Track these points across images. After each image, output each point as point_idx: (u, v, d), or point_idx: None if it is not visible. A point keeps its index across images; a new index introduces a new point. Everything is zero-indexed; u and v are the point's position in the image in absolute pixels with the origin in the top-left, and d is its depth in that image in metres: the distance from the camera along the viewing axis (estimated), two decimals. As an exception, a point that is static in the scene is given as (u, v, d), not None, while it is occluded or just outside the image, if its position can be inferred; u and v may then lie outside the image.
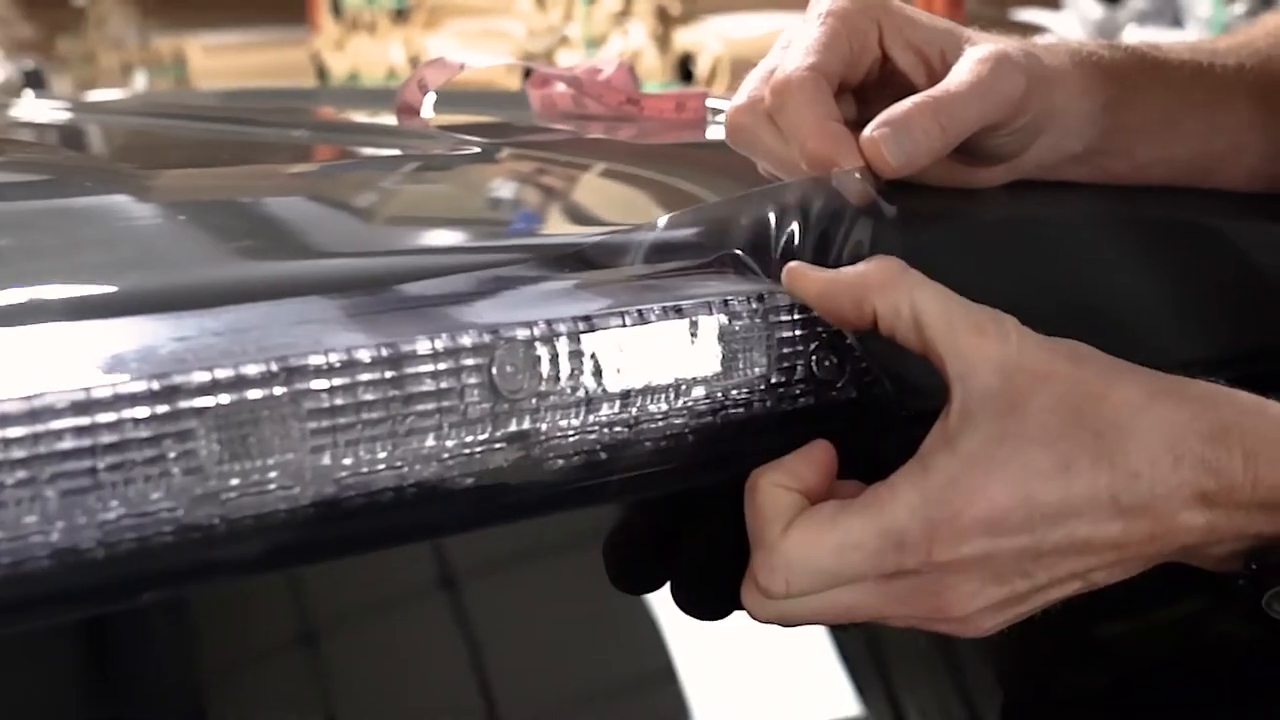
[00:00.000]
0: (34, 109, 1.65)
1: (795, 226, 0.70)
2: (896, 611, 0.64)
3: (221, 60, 7.27)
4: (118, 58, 8.07)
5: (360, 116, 1.48)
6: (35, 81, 6.26)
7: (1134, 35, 4.06)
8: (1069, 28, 4.26)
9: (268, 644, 0.76)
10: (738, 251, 0.70)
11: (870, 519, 0.62)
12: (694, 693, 0.82)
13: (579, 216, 0.89)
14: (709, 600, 0.74)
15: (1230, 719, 0.92)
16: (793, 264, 0.68)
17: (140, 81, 7.73)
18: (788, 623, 0.65)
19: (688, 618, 0.76)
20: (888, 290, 0.65)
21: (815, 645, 0.82)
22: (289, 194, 0.87)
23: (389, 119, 1.22)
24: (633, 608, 0.81)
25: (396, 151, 1.05)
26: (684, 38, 4.91)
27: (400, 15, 6.43)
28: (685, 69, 4.89)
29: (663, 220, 0.71)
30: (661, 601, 0.79)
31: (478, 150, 0.97)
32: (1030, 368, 0.63)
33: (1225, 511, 0.64)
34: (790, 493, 0.64)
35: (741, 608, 0.66)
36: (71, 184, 0.90)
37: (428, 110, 1.16)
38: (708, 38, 4.78)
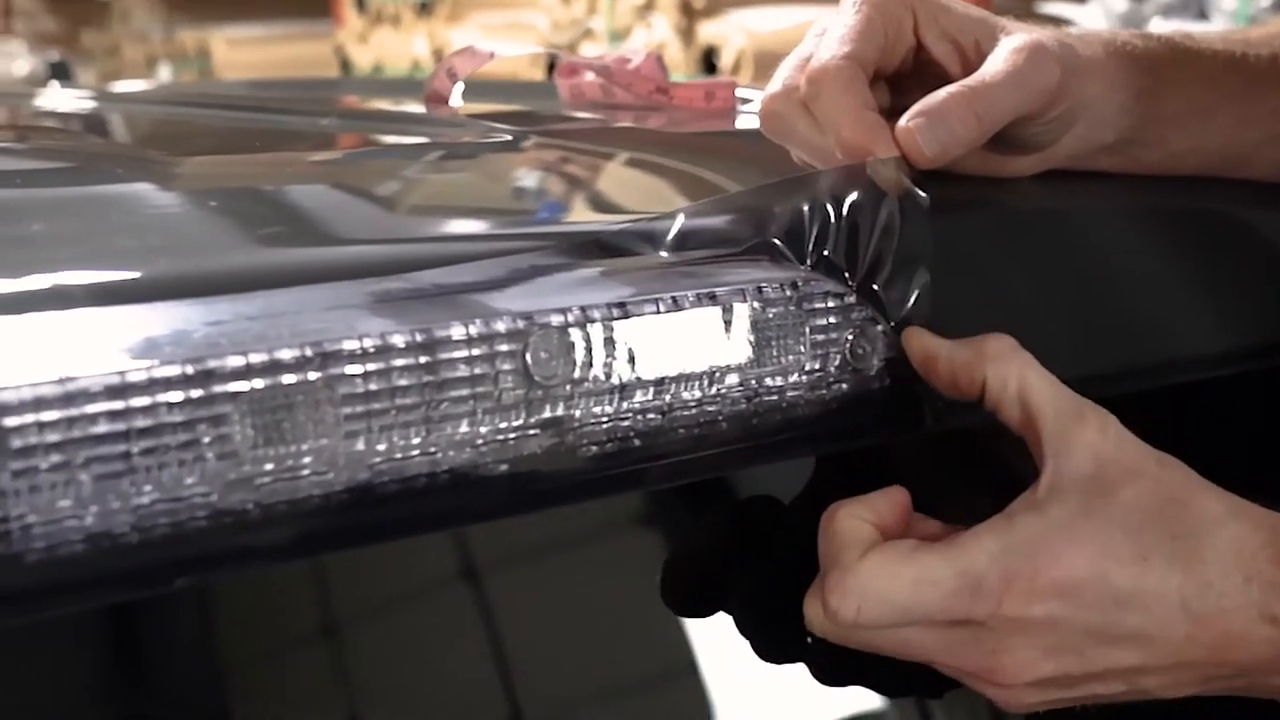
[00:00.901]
0: (60, 98, 1.65)
1: (829, 215, 0.69)
2: (949, 661, 0.64)
3: (245, 53, 7.28)
4: (142, 51, 8.09)
5: (388, 105, 1.48)
6: (61, 73, 6.28)
7: (1159, 28, 4.04)
8: (1094, 20, 4.25)
9: (291, 634, 0.75)
10: (775, 241, 0.69)
11: (950, 559, 0.62)
12: (718, 684, 0.81)
13: (607, 206, 0.88)
14: (767, 618, 0.75)
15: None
16: (912, 327, 0.69)
17: (164, 74, 7.75)
18: (841, 643, 0.65)
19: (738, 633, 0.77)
20: (1000, 363, 0.66)
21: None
22: (317, 181, 0.87)
23: (417, 107, 1.22)
24: (657, 601, 0.80)
25: (425, 139, 1.05)
26: (707, 31, 4.90)
27: (424, 8, 6.43)
28: (709, 62, 4.89)
29: (696, 207, 0.70)
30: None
31: (508, 138, 0.97)
32: (1123, 462, 0.64)
33: None
34: (868, 525, 0.64)
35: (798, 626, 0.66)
36: (99, 170, 0.90)
37: (456, 99, 1.16)
38: (731, 31, 4.77)
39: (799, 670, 0.78)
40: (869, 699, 0.86)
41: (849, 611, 0.62)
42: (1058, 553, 0.62)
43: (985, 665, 0.64)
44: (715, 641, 0.81)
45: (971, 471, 0.76)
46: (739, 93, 1.12)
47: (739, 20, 4.80)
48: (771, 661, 0.78)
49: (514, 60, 4.59)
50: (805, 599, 0.64)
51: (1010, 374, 0.66)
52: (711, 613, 0.79)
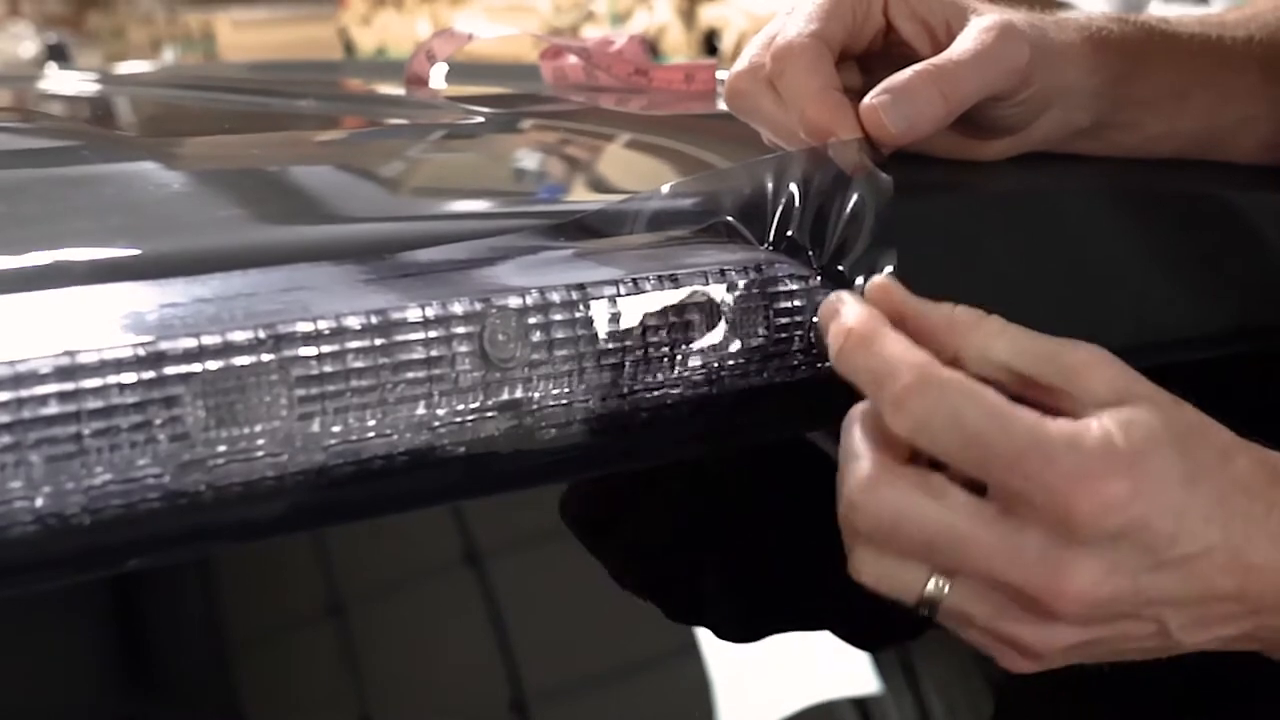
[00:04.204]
0: (47, 82, 1.65)
1: (794, 195, 0.69)
2: (1005, 566, 0.58)
3: (250, 35, 7.29)
4: (147, 33, 8.11)
5: (371, 87, 1.47)
6: (58, 55, 6.29)
7: (1161, 11, 4.04)
8: (1094, 2, 4.24)
9: (296, 614, 0.76)
10: (729, 219, 0.69)
11: (1025, 423, 0.57)
12: (714, 667, 0.81)
13: (578, 187, 0.88)
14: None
15: (1258, 703, 0.92)
16: (880, 279, 0.64)
17: (169, 56, 7.75)
18: (893, 523, 0.58)
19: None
20: (976, 334, 0.62)
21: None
22: (281, 163, 0.87)
23: (395, 89, 1.22)
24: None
25: (402, 121, 1.05)
26: (709, 13, 4.90)
27: (427, -10, 6.44)
28: (710, 44, 4.89)
29: (662, 189, 0.70)
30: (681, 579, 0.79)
31: (481, 120, 0.96)
32: (1136, 390, 0.60)
33: None
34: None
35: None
36: (65, 151, 0.90)
37: (438, 81, 1.16)
38: (732, 13, 4.77)
39: (799, 650, 0.78)
40: (863, 679, 0.86)
41: (917, 410, 0.57)
42: (1129, 462, 0.57)
43: (1047, 580, 0.58)
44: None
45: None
46: (719, 75, 1.11)
47: (740, 2, 4.80)
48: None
49: (519, 42, 4.58)
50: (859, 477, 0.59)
51: (990, 345, 0.61)
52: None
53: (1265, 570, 0.61)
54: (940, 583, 0.60)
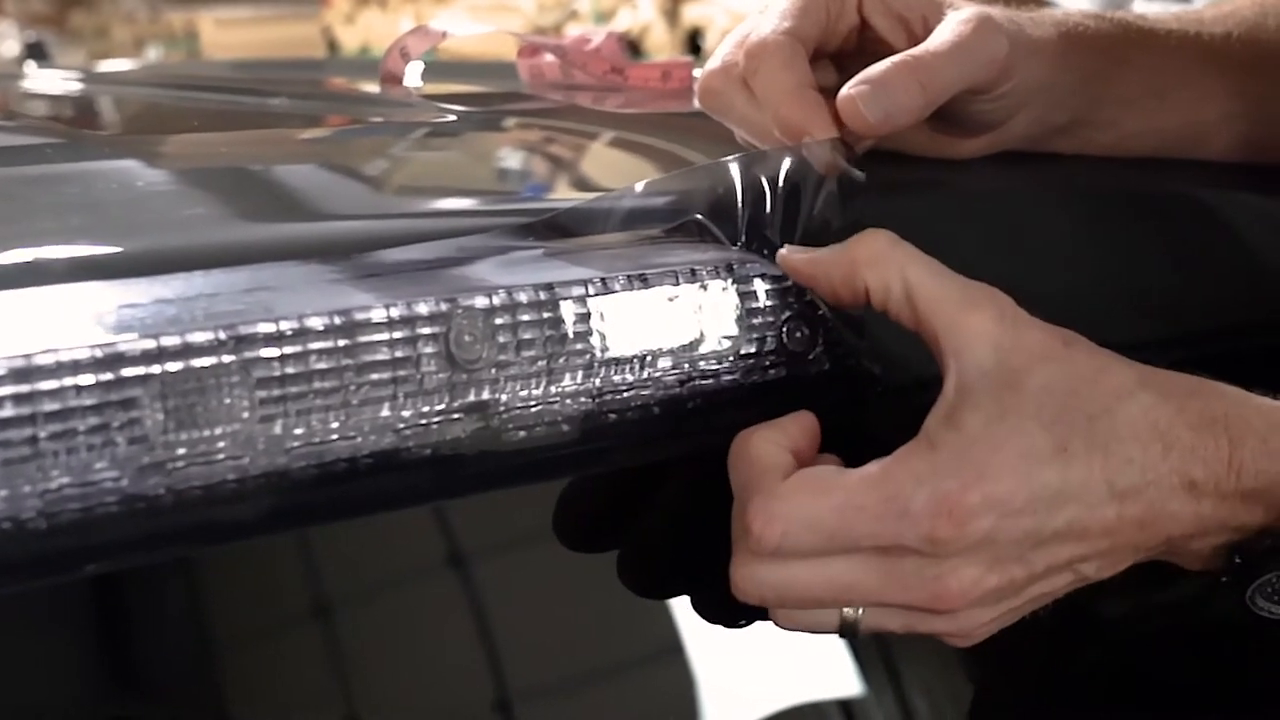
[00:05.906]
0: (22, 80, 1.64)
1: (766, 194, 0.68)
2: (894, 595, 0.62)
3: (233, 34, 7.30)
4: (130, 32, 8.11)
5: (346, 85, 1.47)
6: (38, 54, 6.29)
7: (1146, 9, 4.04)
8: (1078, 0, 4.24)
9: (280, 614, 0.75)
10: (699, 216, 0.68)
11: (875, 484, 0.60)
12: (699, 669, 0.81)
13: (567, 184, 0.88)
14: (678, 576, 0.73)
15: (1240, 697, 0.91)
16: (785, 248, 0.67)
17: (152, 55, 7.75)
18: (778, 598, 0.63)
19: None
20: (877, 266, 0.64)
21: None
22: (251, 161, 0.86)
23: (370, 86, 1.21)
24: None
25: (376, 119, 1.04)
26: (692, 12, 4.91)
27: (411, -11, 6.44)
28: (694, 43, 4.89)
29: (634, 188, 0.69)
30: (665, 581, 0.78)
31: (453, 119, 0.96)
32: (1025, 347, 0.62)
33: (1211, 501, 0.62)
34: (784, 451, 0.62)
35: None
36: (30, 150, 0.89)
37: (413, 79, 1.15)
38: (716, 12, 4.78)
39: (783, 650, 0.78)
40: (846, 679, 0.86)
41: (773, 537, 0.60)
42: (981, 465, 0.60)
43: (930, 593, 0.61)
44: (698, 623, 0.80)
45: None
46: (696, 73, 1.11)
47: (724, 1, 4.80)
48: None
49: (503, 40, 4.58)
50: (733, 557, 0.62)
51: (890, 275, 0.63)
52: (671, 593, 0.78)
53: (1168, 510, 0.62)
54: (852, 612, 0.63)
